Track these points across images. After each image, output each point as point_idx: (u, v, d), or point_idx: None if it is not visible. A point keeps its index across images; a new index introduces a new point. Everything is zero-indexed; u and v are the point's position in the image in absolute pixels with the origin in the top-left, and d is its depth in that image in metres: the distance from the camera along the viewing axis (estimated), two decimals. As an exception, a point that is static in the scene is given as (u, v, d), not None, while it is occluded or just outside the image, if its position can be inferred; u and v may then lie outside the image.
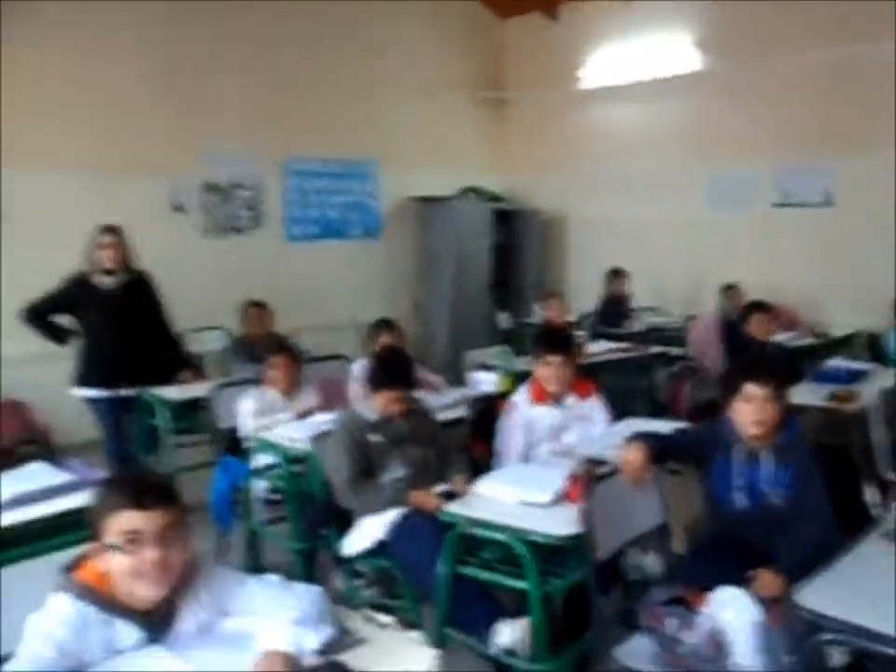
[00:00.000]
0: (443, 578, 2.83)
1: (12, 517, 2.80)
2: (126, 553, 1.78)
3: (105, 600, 1.82)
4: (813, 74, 7.49)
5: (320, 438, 3.58)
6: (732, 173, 8.25)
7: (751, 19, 7.85)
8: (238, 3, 7.53)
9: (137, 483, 1.87)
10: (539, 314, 7.59)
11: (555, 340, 3.90)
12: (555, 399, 3.79)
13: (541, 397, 3.78)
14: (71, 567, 1.89)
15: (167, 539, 1.81)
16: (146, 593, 1.81)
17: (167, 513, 1.82)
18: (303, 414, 4.22)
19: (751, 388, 2.87)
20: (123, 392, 4.88)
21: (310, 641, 1.83)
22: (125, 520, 1.79)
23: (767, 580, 2.59)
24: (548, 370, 3.76)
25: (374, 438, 3.40)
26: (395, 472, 3.39)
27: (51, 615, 1.78)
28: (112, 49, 6.82)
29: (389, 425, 3.44)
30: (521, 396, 3.81)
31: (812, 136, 7.57)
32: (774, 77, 7.76)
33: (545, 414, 3.76)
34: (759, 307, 5.82)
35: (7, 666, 1.75)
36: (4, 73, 6.23)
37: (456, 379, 5.42)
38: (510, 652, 2.71)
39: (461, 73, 9.62)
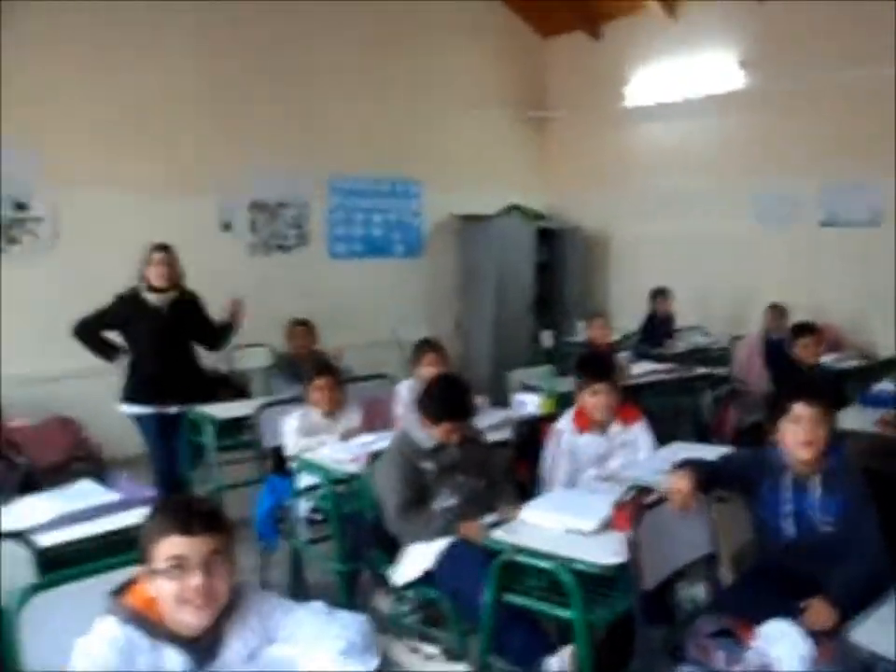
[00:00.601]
0: (488, 606, 2.82)
1: (61, 536, 2.84)
2: (171, 579, 1.80)
3: (153, 626, 1.83)
4: (860, 91, 7.38)
5: (371, 459, 3.58)
6: (777, 192, 8.16)
7: (796, 34, 7.78)
8: (285, 26, 7.64)
9: (185, 509, 1.87)
10: (583, 333, 7.56)
11: (600, 368, 3.85)
12: (600, 427, 3.77)
13: (586, 425, 3.75)
14: (120, 591, 1.90)
15: (212, 565, 1.82)
16: (190, 619, 1.82)
17: (213, 540, 1.83)
18: (347, 435, 4.23)
19: (800, 409, 2.83)
20: (168, 409, 4.93)
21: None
22: (171, 545, 1.80)
23: (819, 611, 2.54)
24: (594, 398, 3.72)
25: (427, 465, 3.37)
26: (446, 501, 3.37)
27: (99, 638, 1.80)
28: (161, 71, 6.94)
29: (443, 453, 3.41)
30: (565, 423, 3.79)
31: (859, 155, 7.46)
32: (819, 92, 7.67)
33: (590, 443, 3.74)
34: (805, 329, 5.75)
35: None
36: (58, 95, 6.40)
37: (499, 398, 5.40)
38: (554, 682, 2.70)
39: (504, 92, 9.64)
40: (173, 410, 4.94)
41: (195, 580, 1.79)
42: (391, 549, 3.38)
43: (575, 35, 9.64)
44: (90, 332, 4.94)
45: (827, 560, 2.76)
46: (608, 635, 2.92)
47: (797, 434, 2.82)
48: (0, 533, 2.63)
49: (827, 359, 6.21)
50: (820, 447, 2.82)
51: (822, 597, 2.59)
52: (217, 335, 5.20)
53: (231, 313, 5.18)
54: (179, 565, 1.80)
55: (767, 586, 2.80)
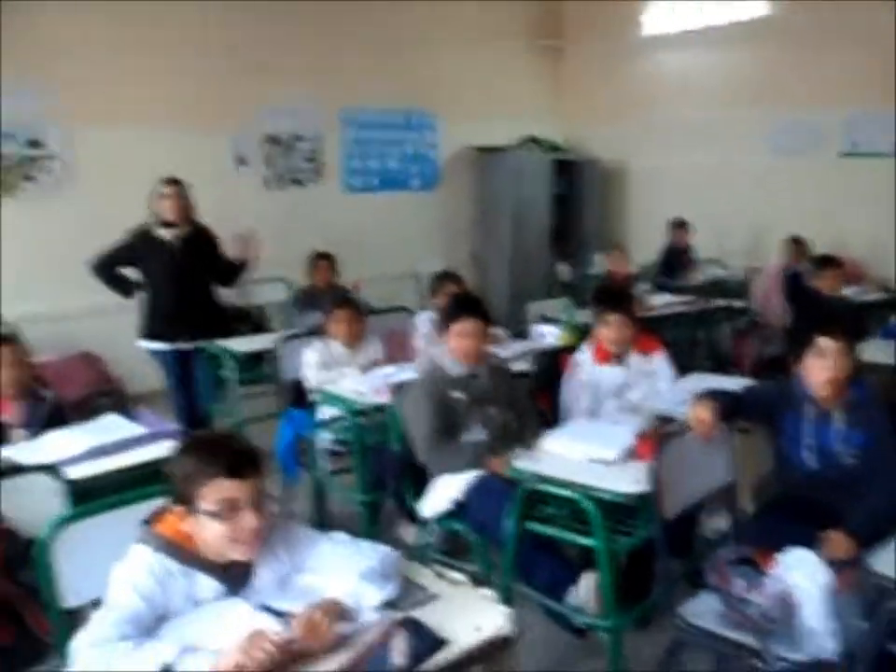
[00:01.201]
0: (511, 533, 2.86)
1: (90, 468, 2.88)
2: (222, 521, 1.83)
3: (186, 553, 1.88)
4: (886, 19, 7.20)
5: (398, 390, 3.59)
6: (798, 121, 8.01)
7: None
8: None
9: (230, 450, 1.89)
10: (601, 265, 7.54)
11: (613, 298, 3.83)
12: (618, 358, 3.76)
13: (604, 356, 3.76)
14: (151, 521, 1.94)
15: (260, 505, 1.86)
16: (240, 556, 1.88)
17: (258, 480, 1.87)
18: (368, 367, 4.25)
19: (824, 343, 2.83)
20: (183, 345, 4.94)
21: (371, 597, 1.87)
22: (221, 488, 1.83)
23: (837, 541, 2.56)
24: (607, 329, 3.73)
25: (456, 394, 3.32)
26: (476, 434, 3.32)
27: (135, 565, 1.84)
28: (173, 4, 6.79)
29: (473, 382, 3.38)
30: (584, 355, 3.79)
31: (881, 84, 7.28)
32: (842, 21, 7.48)
33: (609, 373, 3.74)
34: (828, 261, 5.71)
35: (97, 614, 1.82)
36: (68, 32, 6.32)
37: (516, 331, 5.41)
38: (577, 609, 2.74)
39: (520, 20, 9.44)
40: (187, 345, 4.94)
41: (249, 521, 1.84)
42: (419, 481, 3.38)
43: (592, -40, 9.43)
44: (105, 268, 4.95)
45: (848, 492, 2.78)
46: (628, 564, 2.97)
47: (822, 368, 2.82)
48: (31, 466, 2.68)
49: (848, 292, 6.17)
50: (843, 381, 2.82)
51: (841, 528, 2.60)
52: (230, 271, 5.14)
53: (240, 249, 5.11)
54: (231, 507, 1.83)
55: (788, 516, 2.83)
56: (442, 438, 3.27)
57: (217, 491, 1.83)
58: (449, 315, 3.43)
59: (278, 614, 1.80)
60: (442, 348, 3.47)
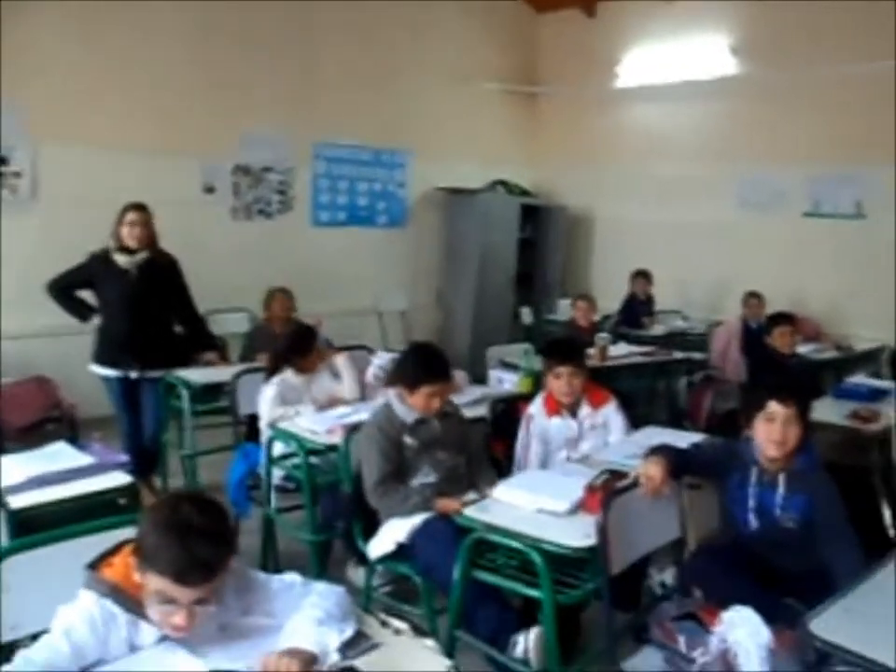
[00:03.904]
0: (458, 582, 2.84)
1: (34, 498, 2.81)
2: (155, 605, 1.80)
3: (131, 600, 1.83)
4: (850, 82, 7.39)
5: (351, 431, 3.59)
6: (763, 180, 8.19)
7: (790, 25, 7.79)
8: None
9: (189, 556, 1.74)
10: (566, 312, 7.60)
11: (562, 351, 3.86)
12: (570, 410, 3.79)
13: (556, 408, 3.78)
14: (97, 563, 1.89)
15: (201, 603, 1.80)
16: (166, 632, 1.83)
17: (207, 587, 1.79)
18: (324, 406, 4.23)
19: (774, 407, 2.85)
20: (130, 373, 4.86)
21: (333, 640, 1.85)
22: (163, 584, 1.76)
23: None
24: (557, 381, 3.76)
25: (409, 440, 3.36)
26: (426, 477, 3.36)
27: (76, 612, 1.80)
28: (149, 29, 6.83)
29: (424, 428, 3.41)
30: (536, 407, 3.81)
31: (846, 146, 7.48)
32: (810, 83, 7.68)
33: (560, 426, 3.77)
34: (782, 318, 5.80)
35: (22, 651, 1.78)
36: (39, 48, 6.30)
37: (477, 374, 5.42)
38: (521, 661, 2.73)
39: (495, 65, 9.59)
40: (134, 374, 4.86)
41: (177, 620, 1.78)
42: (369, 522, 3.38)
43: (570, 11, 9.59)
44: (62, 291, 4.89)
45: (787, 553, 2.86)
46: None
47: (769, 432, 2.85)
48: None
49: (804, 350, 6.26)
50: (791, 446, 2.85)
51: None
52: (192, 319, 5.17)
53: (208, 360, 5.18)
54: (167, 601, 1.78)
55: (730, 568, 2.84)
56: (391, 482, 3.29)
57: (158, 583, 1.76)
58: (415, 377, 3.39)
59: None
60: (394, 393, 3.48)
